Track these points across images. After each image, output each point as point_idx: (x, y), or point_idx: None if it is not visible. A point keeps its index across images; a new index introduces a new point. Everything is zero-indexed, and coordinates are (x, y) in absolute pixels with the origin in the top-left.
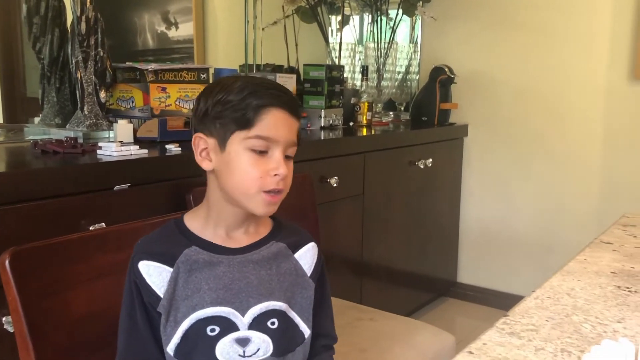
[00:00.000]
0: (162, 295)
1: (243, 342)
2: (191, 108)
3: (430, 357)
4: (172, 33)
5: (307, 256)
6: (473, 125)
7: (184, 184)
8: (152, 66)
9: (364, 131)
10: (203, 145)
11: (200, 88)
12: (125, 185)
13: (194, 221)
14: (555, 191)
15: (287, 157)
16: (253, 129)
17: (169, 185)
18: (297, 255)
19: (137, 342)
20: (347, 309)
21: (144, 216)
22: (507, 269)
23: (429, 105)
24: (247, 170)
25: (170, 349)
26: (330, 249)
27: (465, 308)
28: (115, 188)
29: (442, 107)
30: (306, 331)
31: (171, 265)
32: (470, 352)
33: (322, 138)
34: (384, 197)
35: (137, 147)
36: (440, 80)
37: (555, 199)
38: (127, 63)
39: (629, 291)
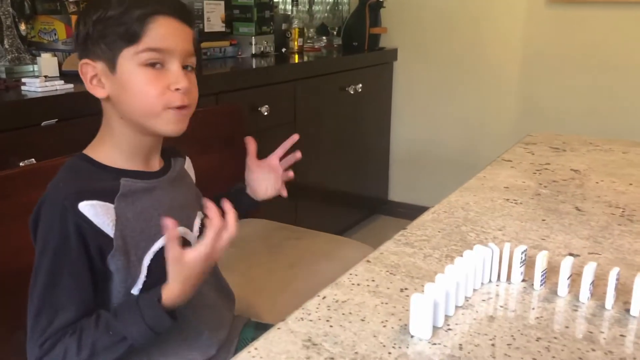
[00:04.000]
0: (112, 236)
1: None
2: None
3: (353, 265)
4: None
5: (191, 167)
6: (402, 49)
7: None
8: None
9: (296, 58)
10: (92, 71)
11: None
12: (53, 121)
13: (103, 155)
14: (477, 111)
15: (186, 69)
16: (142, 41)
17: (97, 119)
18: (186, 166)
19: (83, 293)
20: (277, 229)
21: (74, 151)
22: (435, 186)
23: (359, 30)
24: (145, 88)
25: (136, 289)
26: None
27: (396, 224)
28: (43, 124)
29: (372, 31)
30: None
31: (112, 202)
32: (368, 261)
33: (254, 66)
34: (315, 123)
35: (63, 82)
36: (370, 4)
37: (478, 119)
38: None
39: (515, 203)
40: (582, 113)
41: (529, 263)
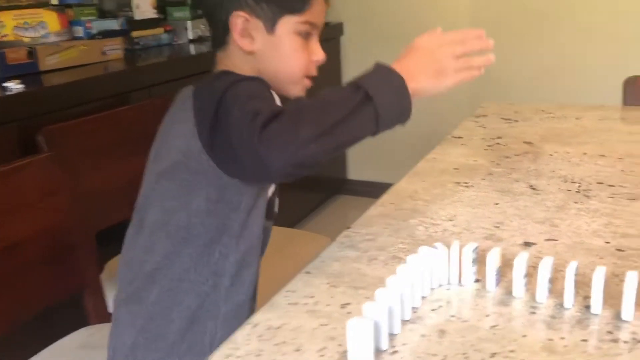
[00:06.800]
0: None
1: None
2: (34, 36)
3: (308, 261)
4: None
5: None
6: (348, 23)
7: (32, 124)
8: None
9: None
10: (243, 24)
11: (42, 13)
12: None
13: None
14: None
15: None
16: (305, 13)
17: (13, 127)
18: None
19: None
20: None
21: None
22: (394, 162)
23: None
24: (297, 55)
25: None
26: None
27: (357, 203)
28: None
29: None
30: None
31: None
32: (308, 272)
33: (192, 53)
34: None
35: None
36: None
37: None
38: None
39: (465, 186)
40: (534, 78)
41: (481, 259)
